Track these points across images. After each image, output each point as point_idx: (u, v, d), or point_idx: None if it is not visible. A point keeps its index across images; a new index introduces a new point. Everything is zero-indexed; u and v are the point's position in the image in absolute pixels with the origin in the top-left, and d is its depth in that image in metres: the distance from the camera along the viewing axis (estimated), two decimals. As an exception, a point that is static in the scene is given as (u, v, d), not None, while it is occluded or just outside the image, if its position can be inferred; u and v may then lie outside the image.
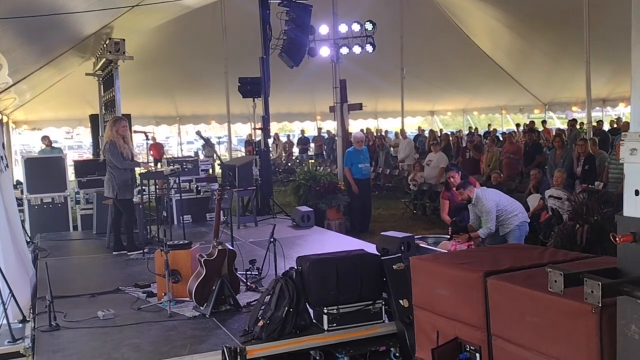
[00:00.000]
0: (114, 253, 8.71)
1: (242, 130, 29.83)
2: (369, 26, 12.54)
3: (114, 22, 11.59)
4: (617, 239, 2.43)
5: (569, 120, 18.95)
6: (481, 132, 23.53)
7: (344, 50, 12.71)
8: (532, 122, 21.10)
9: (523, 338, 3.51)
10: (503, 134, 20.57)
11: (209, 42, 18.71)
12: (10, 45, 8.50)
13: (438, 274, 4.20)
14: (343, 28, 12.69)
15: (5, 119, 17.60)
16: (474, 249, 6.44)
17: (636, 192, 2.45)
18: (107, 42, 11.57)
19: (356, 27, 12.64)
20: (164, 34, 17.63)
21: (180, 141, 28.17)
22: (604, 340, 2.94)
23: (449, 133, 21.77)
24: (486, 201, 7.33)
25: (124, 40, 11.47)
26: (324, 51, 12.70)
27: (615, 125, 18.86)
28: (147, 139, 9.25)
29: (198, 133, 8.44)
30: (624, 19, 2.86)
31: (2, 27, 6.73)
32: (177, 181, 10.35)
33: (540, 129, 20.32)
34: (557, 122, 26.25)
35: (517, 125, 23.51)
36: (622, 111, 23.79)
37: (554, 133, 18.92)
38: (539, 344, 3.39)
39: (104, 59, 12.43)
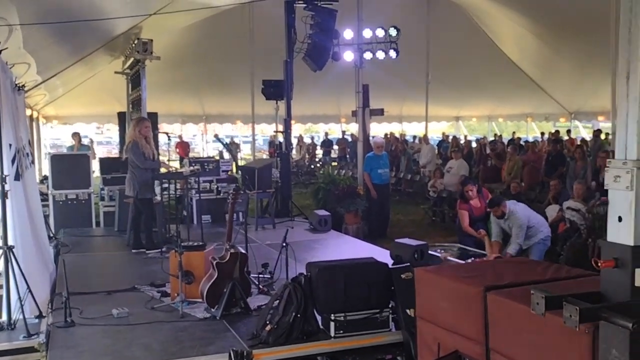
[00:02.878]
0: (132, 251, 8.84)
1: (268, 130, 29.95)
2: (392, 32, 12.49)
3: (143, 22, 11.75)
4: (599, 264, 2.46)
5: (594, 131, 18.74)
6: (506, 139, 23.38)
7: (368, 55, 12.72)
8: (557, 132, 20.84)
9: (520, 354, 3.53)
10: (526, 142, 20.41)
11: (237, 43, 18.81)
12: (39, 44, 8.57)
13: (441, 286, 4.24)
14: (367, 33, 12.68)
15: (35, 114, 17.95)
16: (479, 262, 6.42)
17: (619, 219, 2.48)
18: (135, 42, 11.74)
19: (380, 33, 12.62)
20: (193, 34, 17.77)
21: (206, 140, 28.44)
22: (596, 360, 2.96)
23: (473, 140, 21.63)
24: (520, 216, 7.23)
25: (151, 40, 11.59)
26: (348, 56, 12.74)
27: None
28: (169, 139, 9.39)
29: (216, 136, 8.57)
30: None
31: (30, 29, 6.87)
32: (197, 181, 10.49)
33: (565, 138, 20.10)
34: (582, 131, 25.88)
35: (542, 133, 23.23)
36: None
37: (578, 143, 18.73)
38: (535, 360, 3.43)
39: (132, 58, 12.63)
